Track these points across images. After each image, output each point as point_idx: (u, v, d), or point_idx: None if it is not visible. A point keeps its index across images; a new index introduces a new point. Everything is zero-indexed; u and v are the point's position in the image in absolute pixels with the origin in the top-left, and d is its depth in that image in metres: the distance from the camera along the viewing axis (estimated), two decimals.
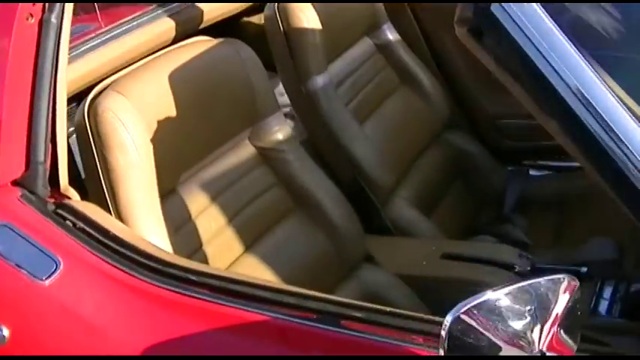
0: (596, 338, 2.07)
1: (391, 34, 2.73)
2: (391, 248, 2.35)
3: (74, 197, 1.65)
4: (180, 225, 1.85)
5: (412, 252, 2.36)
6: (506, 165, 2.93)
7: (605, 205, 2.61)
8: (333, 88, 2.45)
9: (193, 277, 1.46)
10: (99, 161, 1.74)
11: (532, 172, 2.91)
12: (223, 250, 1.94)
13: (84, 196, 1.70)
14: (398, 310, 1.42)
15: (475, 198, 2.85)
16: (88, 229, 1.53)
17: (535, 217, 2.73)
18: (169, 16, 2.35)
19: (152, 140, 1.77)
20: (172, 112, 1.84)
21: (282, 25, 2.37)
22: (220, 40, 2.05)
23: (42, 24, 1.61)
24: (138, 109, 1.75)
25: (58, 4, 1.60)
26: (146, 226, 1.73)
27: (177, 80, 1.86)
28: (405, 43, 2.77)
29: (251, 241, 2.01)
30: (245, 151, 2.07)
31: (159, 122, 1.80)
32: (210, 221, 1.92)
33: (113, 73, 2.07)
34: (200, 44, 2.01)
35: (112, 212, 1.74)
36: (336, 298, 1.46)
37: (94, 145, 1.74)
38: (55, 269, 1.48)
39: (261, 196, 2.06)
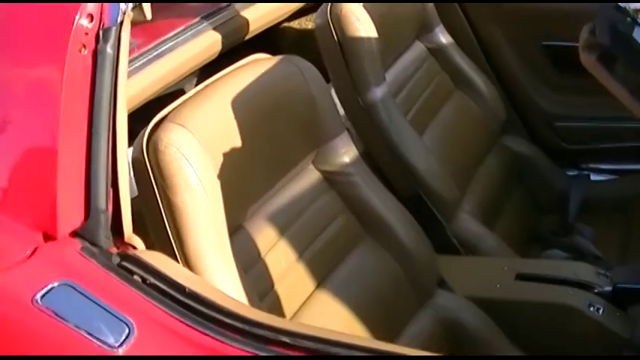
0: None
1: (444, 37, 2.53)
2: (461, 269, 2.15)
3: (139, 246, 1.46)
4: (249, 265, 1.65)
5: (483, 273, 2.17)
6: (564, 169, 2.74)
7: None
8: (392, 99, 2.25)
9: (286, 339, 1.26)
10: (162, 203, 1.54)
11: (593, 177, 2.71)
12: (296, 287, 1.75)
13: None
14: None
15: (536, 205, 2.66)
16: (160, 284, 1.33)
17: (601, 225, 2.53)
18: (214, 28, 2.16)
19: (219, 176, 1.57)
20: (237, 141, 1.64)
21: (336, 34, 2.16)
22: (278, 57, 1.84)
23: (96, 55, 1.40)
24: (202, 142, 1.55)
25: (113, 33, 1.40)
26: (216, 271, 1.54)
27: (239, 106, 1.65)
28: (457, 45, 2.56)
29: (323, 276, 1.81)
30: (311, 176, 1.87)
31: (224, 155, 1.61)
32: (280, 258, 1.73)
33: (161, 94, 1.89)
34: (258, 64, 1.80)
35: (178, 257, 1.54)
36: None
37: (156, 184, 1.54)
38: (129, 334, 1.27)
39: (330, 225, 1.87)
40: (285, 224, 1.76)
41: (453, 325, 1.98)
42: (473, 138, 2.52)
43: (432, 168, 2.27)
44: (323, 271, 1.82)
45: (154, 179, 1.53)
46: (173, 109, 1.62)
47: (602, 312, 1.98)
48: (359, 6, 2.15)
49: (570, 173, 2.74)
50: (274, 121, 1.74)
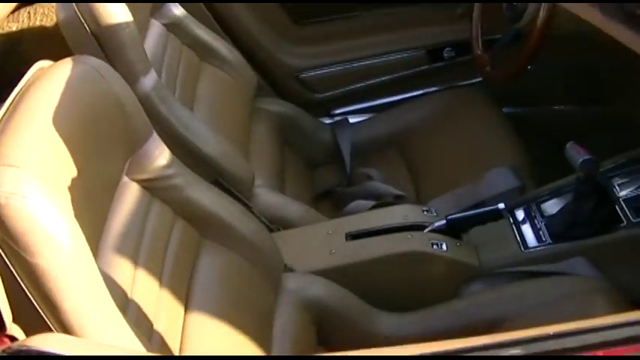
0: (547, 270, 1.87)
1: (177, 10, 2.23)
2: (288, 246, 1.92)
3: (20, 335, 1.08)
4: (123, 309, 1.32)
5: (312, 243, 1.97)
6: (321, 119, 2.62)
7: (448, 130, 2.42)
8: (163, 86, 1.95)
9: None
10: (16, 269, 1.16)
11: (352, 120, 2.61)
12: (170, 318, 1.45)
13: None
14: None
15: (309, 162, 2.50)
16: None
17: (381, 164, 2.44)
18: None
19: (70, 217, 1.22)
20: (70, 169, 1.28)
21: (89, 25, 1.82)
22: (65, 60, 1.47)
23: None
24: (44, 181, 1.18)
25: None
26: (104, 330, 1.20)
27: (59, 127, 1.28)
28: (192, 16, 2.29)
29: (184, 296, 1.53)
30: (131, 191, 1.53)
31: (67, 189, 1.25)
32: (145, 292, 1.41)
33: None
34: (50, 73, 1.40)
35: (53, 328, 1.18)
36: None
37: (3, 250, 1.15)
38: None
39: (170, 239, 1.56)
40: (132, 253, 1.44)
41: (312, 305, 1.78)
42: (235, 110, 2.29)
43: (223, 150, 2.02)
44: (183, 292, 1.53)
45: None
46: None
47: (446, 247, 1.90)
48: None
49: (328, 122, 2.62)
50: (94, 135, 1.40)
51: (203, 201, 1.65)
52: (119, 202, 1.49)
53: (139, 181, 1.56)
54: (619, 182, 1.98)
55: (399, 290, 1.90)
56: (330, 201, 2.38)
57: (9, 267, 1.16)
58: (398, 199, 2.22)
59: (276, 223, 2.06)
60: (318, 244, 1.95)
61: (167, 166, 1.60)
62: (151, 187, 1.58)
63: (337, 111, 2.66)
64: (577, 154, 1.79)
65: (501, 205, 1.92)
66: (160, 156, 1.59)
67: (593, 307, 1.70)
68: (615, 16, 1.27)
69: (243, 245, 1.68)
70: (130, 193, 1.53)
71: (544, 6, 2.06)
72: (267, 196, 2.10)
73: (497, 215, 1.92)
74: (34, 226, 1.13)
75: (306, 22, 2.56)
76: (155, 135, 1.60)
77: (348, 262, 1.90)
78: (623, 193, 1.94)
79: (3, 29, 2.28)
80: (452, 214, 1.96)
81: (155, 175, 1.58)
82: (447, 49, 2.58)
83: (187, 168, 1.67)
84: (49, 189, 1.18)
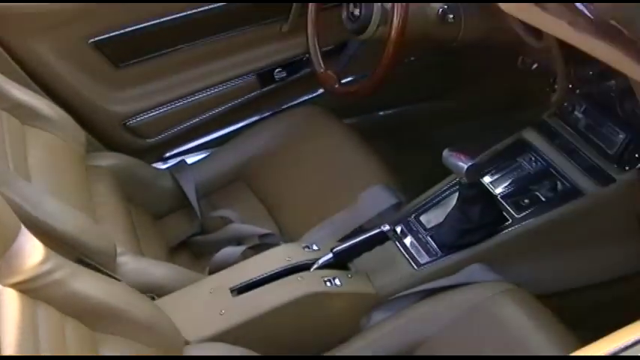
0: (447, 284, 1.79)
1: None
2: (171, 315, 1.70)
3: None
4: None
5: (196, 307, 1.75)
6: (154, 165, 2.38)
7: (294, 153, 2.28)
8: None
9: None
10: None
11: (189, 160, 2.38)
12: None
13: None
14: None
15: (157, 212, 2.26)
16: None
17: (233, 202, 2.26)
18: None
19: None
20: None
21: None
22: None
23: None
24: None
25: None
26: None
27: None
28: (4, 76, 1.97)
29: None
30: (8, 302, 1.25)
31: None
32: None
33: None
34: None
35: None
36: None
37: None
38: None
39: (67, 348, 1.31)
40: None
41: None
42: (72, 173, 1.98)
43: (80, 224, 1.74)
44: None
45: None
46: None
47: (340, 282, 1.77)
48: None
49: (163, 166, 2.39)
50: None
51: (89, 291, 1.40)
52: (1, 322, 1.22)
53: (13, 286, 1.29)
54: (490, 180, 1.94)
55: (302, 337, 1.75)
56: (188, 252, 2.16)
57: None
58: (265, 238, 2.05)
59: (148, 292, 1.81)
60: (203, 307, 1.74)
61: (44, 261, 1.33)
62: (29, 290, 1.31)
63: (169, 153, 2.43)
64: (459, 161, 1.72)
65: (386, 227, 1.81)
66: (34, 251, 1.33)
67: (504, 310, 1.65)
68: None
69: (140, 330, 1.45)
70: (9, 303, 1.26)
71: (397, 12, 1.94)
72: (131, 264, 1.84)
73: (383, 238, 1.82)
74: None
75: (129, 64, 2.29)
76: (24, 228, 1.33)
77: (242, 320, 1.70)
78: (498, 191, 1.90)
79: None
80: (337, 247, 1.82)
81: (32, 274, 1.31)
82: (277, 70, 2.42)
83: (65, 258, 1.41)
84: None
